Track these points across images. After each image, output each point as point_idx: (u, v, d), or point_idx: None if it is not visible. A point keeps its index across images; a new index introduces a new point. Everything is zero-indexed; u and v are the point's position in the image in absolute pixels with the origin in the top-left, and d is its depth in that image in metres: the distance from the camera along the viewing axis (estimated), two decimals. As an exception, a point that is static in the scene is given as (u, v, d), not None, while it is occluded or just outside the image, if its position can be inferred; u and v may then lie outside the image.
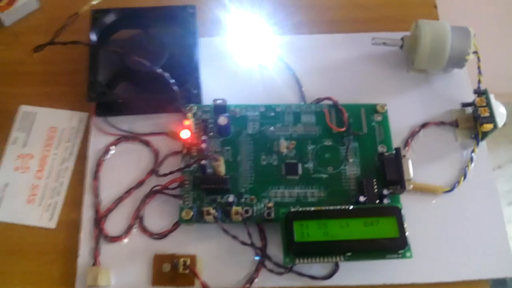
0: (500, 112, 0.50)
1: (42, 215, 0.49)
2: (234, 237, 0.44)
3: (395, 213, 0.44)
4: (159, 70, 0.46)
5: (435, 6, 0.60)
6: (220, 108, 0.49)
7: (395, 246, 0.43)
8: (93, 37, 0.53)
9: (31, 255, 0.47)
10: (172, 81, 0.48)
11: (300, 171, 0.48)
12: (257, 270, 0.45)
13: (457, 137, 0.52)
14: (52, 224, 0.48)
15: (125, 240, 0.47)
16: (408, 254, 0.43)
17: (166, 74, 0.47)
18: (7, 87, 0.56)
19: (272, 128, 0.50)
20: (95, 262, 0.46)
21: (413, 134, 0.52)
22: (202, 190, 0.47)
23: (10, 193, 0.50)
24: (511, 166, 1.15)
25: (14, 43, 0.58)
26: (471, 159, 0.50)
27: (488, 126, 0.50)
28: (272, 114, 0.51)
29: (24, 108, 0.54)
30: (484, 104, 0.50)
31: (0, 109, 0.54)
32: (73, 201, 0.49)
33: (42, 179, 0.50)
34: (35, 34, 0.57)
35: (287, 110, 0.51)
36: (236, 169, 0.48)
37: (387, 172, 0.47)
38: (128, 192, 0.48)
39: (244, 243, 0.44)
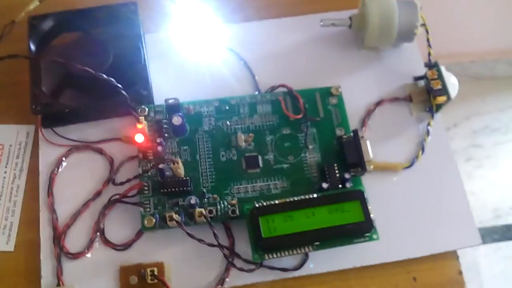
0: (452, 82, 0.51)
1: (-2, 238, 0.47)
2: (200, 240, 0.43)
3: (359, 196, 0.44)
4: (105, 76, 0.44)
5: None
6: (173, 108, 0.48)
7: (361, 230, 0.43)
8: (32, 46, 0.50)
9: (-9, 282, 0.45)
10: (119, 85, 0.46)
11: (261, 164, 0.47)
12: (227, 270, 0.45)
13: (412, 111, 0.52)
14: (9, 247, 0.46)
15: (88, 255, 0.45)
16: (375, 236, 0.43)
17: (113, 80, 0.45)
18: None
19: (228, 122, 0.49)
20: (58, 281, 0.44)
21: (369, 113, 0.52)
22: (162, 194, 0.46)
23: (-40, 219, 0.47)
24: (466, 123, 1.18)
25: None
26: (428, 132, 0.51)
27: (441, 99, 0.50)
28: (227, 107, 0.50)
29: (-35, 127, 0.51)
30: (436, 76, 0.51)
31: None
32: (29, 220, 0.47)
33: (-7, 201, 0.48)
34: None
35: (242, 102, 0.50)
36: (196, 169, 0.47)
37: (347, 156, 0.46)
38: (86, 204, 0.47)
39: (211, 245, 0.43)
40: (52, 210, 0.46)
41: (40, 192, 0.47)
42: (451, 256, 0.47)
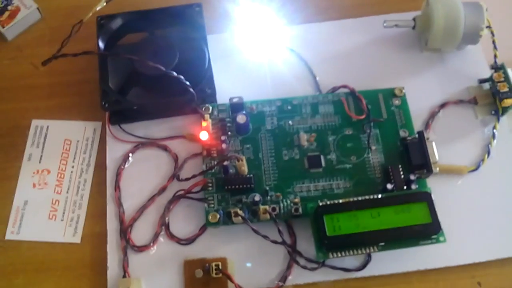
0: (519, 85, 0.50)
1: (66, 230, 0.48)
2: (265, 236, 0.43)
3: (426, 198, 0.43)
4: (175, 74, 0.45)
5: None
6: (237, 106, 0.48)
7: (428, 231, 0.42)
8: (101, 44, 0.52)
9: (59, 272, 0.46)
10: (188, 83, 0.47)
11: (323, 163, 0.47)
12: (289, 268, 0.45)
13: (477, 114, 0.51)
14: (76, 239, 0.48)
15: (153, 248, 0.46)
16: (441, 238, 0.43)
17: (181, 77, 0.45)
18: (16, 102, 0.55)
19: (290, 122, 0.49)
20: (125, 273, 0.45)
21: (433, 115, 0.51)
22: (226, 191, 0.46)
23: (30, 210, 0.49)
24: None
25: (19, 57, 0.57)
26: (493, 136, 0.50)
27: (508, 101, 0.49)
28: (289, 107, 0.50)
29: (36, 123, 0.53)
30: (502, 79, 0.50)
31: (12, 126, 0.53)
32: (95, 213, 0.49)
33: (61, 194, 0.50)
34: (39, 46, 0.57)
35: (304, 102, 0.50)
36: (259, 167, 0.47)
37: (412, 157, 0.46)
38: (151, 199, 0.48)
39: (275, 242, 0.43)
40: (119, 204, 0.48)
41: (108, 186, 0.49)
42: (518, 261, 0.46)
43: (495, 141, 0.50)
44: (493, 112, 0.51)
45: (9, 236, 0.48)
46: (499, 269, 0.46)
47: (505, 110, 0.50)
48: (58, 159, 0.51)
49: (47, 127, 0.53)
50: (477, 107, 0.51)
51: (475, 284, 0.46)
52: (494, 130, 0.50)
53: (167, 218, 0.47)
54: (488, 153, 0.49)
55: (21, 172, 0.51)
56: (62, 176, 0.50)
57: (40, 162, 0.51)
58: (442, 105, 0.51)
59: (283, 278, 0.44)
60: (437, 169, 0.46)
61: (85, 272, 0.46)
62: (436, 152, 0.46)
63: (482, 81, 0.52)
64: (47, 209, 0.49)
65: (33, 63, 0.56)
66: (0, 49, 0.57)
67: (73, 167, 0.51)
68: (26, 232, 0.48)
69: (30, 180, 0.50)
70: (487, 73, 0.52)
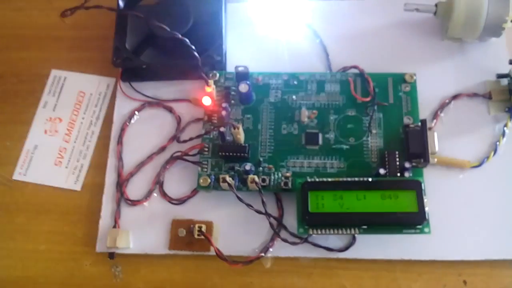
0: (538, 84, 0.47)
1: (68, 177, 0.50)
2: (249, 205, 0.44)
3: (415, 186, 0.42)
4: (180, 36, 0.46)
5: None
6: (242, 75, 0.49)
7: (412, 221, 0.42)
8: (121, 3, 0.53)
9: (56, 216, 0.49)
10: (193, 47, 0.47)
11: (320, 141, 0.47)
12: (272, 240, 0.45)
13: (490, 109, 0.49)
14: (77, 187, 0.50)
15: (145, 204, 0.48)
16: (426, 229, 0.42)
17: (187, 40, 0.46)
18: (39, 51, 0.57)
19: (294, 97, 0.49)
20: (115, 224, 0.47)
21: (443, 106, 0.50)
22: (220, 157, 0.47)
23: (38, 155, 0.51)
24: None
25: (47, 8, 0.59)
26: (503, 134, 0.48)
27: (524, 99, 0.47)
28: (295, 82, 0.50)
29: (54, 73, 0.55)
30: (521, 76, 0.47)
31: (33, 73, 0.56)
32: (98, 164, 0.51)
33: (69, 143, 0.52)
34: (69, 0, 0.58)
35: (311, 79, 0.50)
36: (256, 138, 0.48)
37: (411, 145, 0.45)
38: (150, 157, 0.49)
39: (259, 212, 0.44)
40: (119, 158, 0.49)
41: (111, 140, 0.51)
42: (508, 265, 0.44)
43: (504, 139, 0.48)
44: (506, 109, 0.49)
45: (16, 176, 0.51)
46: (488, 270, 0.45)
47: (519, 108, 0.48)
48: (70, 109, 0.53)
49: (65, 78, 0.55)
50: (491, 103, 0.49)
51: (461, 282, 0.45)
52: (505, 128, 0.48)
53: (162, 177, 0.48)
54: (495, 151, 0.47)
55: (35, 118, 0.53)
56: (72, 126, 0.53)
57: (54, 110, 0.53)
58: (455, 97, 0.50)
59: (265, 249, 0.45)
60: (435, 160, 0.45)
61: (81, 219, 0.49)
62: (436, 142, 0.45)
63: (500, 76, 0.50)
64: (54, 155, 0.51)
65: (60, 15, 0.58)
66: (31, 0, 0.60)
67: (83, 118, 0.53)
68: (32, 174, 0.51)
69: (42, 127, 0.53)
70: (507, 68, 0.49)
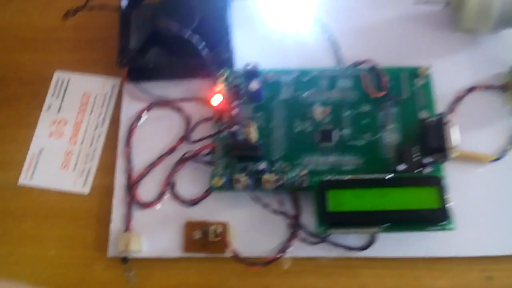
0: (555, 75, 0.46)
1: (76, 180, 0.49)
2: (266, 205, 0.42)
3: (437, 182, 0.41)
4: (187, 34, 0.45)
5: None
6: (251, 73, 0.47)
7: (435, 217, 0.40)
8: (124, 1, 0.52)
9: (66, 220, 0.47)
10: (201, 45, 0.46)
11: (335, 138, 0.46)
12: (290, 239, 0.44)
13: (507, 102, 0.48)
14: (85, 190, 0.49)
15: (157, 207, 0.46)
16: (450, 225, 0.41)
17: (194, 38, 0.45)
18: (42, 53, 0.55)
19: (306, 94, 0.48)
20: (127, 227, 0.46)
21: (458, 99, 0.48)
22: (233, 157, 0.46)
23: (44, 158, 0.50)
24: None
25: (48, 9, 0.57)
26: (522, 126, 0.47)
27: (541, 91, 0.46)
28: (307, 79, 0.49)
29: (58, 74, 0.54)
30: (538, 67, 0.46)
31: (36, 75, 0.54)
32: (106, 167, 0.49)
33: (76, 145, 0.50)
34: (69, 0, 0.57)
35: (322, 75, 0.49)
36: (269, 136, 0.46)
37: (429, 139, 0.44)
38: (160, 158, 0.48)
39: (276, 212, 0.43)
40: (129, 160, 0.48)
41: (119, 141, 0.49)
42: (532, 259, 0.43)
43: (522, 131, 0.47)
44: (524, 101, 0.48)
45: (22, 181, 0.49)
46: (512, 265, 0.44)
47: (537, 100, 0.47)
48: (75, 111, 0.52)
49: (69, 79, 0.53)
50: (507, 95, 0.48)
51: (485, 278, 0.44)
52: (523, 120, 0.47)
53: (173, 179, 0.47)
54: (514, 143, 0.46)
55: (40, 121, 0.52)
56: (78, 128, 0.51)
57: (58, 112, 0.52)
58: (470, 89, 0.49)
59: (283, 250, 0.44)
60: (456, 154, 0.44)
61: (90, 223, 0.47)
62: (456, 137, 0.44)
63: (516, 67, 0.49)
64: (60, 158, 0.50)
65: (61, 16, 0.56)
66: (32, 1, 0.58)
67: (89, 120, 0.52)
68: (38, 179, 0.49)
69: (47, 130, 0.51)
70: (523, 59, 0.49)
